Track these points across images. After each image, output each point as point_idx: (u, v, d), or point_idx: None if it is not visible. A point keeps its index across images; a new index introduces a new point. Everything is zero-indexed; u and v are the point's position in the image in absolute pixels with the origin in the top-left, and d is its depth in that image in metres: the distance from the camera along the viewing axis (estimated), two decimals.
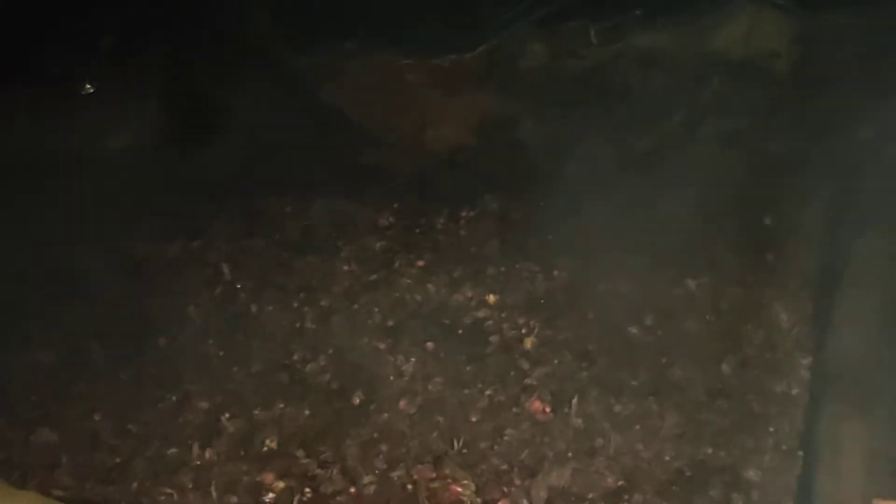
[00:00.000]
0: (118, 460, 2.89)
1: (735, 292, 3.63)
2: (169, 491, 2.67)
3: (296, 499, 2.63)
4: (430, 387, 3.20)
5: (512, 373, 3.25)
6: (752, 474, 2.67)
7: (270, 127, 4.57)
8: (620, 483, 2.64)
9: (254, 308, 3.68)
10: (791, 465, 2.73)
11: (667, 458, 2.76)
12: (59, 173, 4.27)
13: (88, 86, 4.78)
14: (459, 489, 2.58)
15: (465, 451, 2.78)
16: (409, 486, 2.62)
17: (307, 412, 3.12)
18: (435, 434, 2.91)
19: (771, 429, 2.91)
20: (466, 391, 3.15)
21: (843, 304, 3.41)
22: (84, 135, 4.54)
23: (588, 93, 4.57)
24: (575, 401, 2.98)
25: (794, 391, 3.13)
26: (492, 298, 3.74)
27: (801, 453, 2.78)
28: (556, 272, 3.83)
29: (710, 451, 2.79)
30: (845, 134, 3.96)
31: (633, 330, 3.48)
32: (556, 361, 3.31)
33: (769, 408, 3.04)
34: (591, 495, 2.59)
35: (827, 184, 3.84)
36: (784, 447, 2.80)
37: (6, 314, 3.44)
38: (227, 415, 3.06)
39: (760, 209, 3.89)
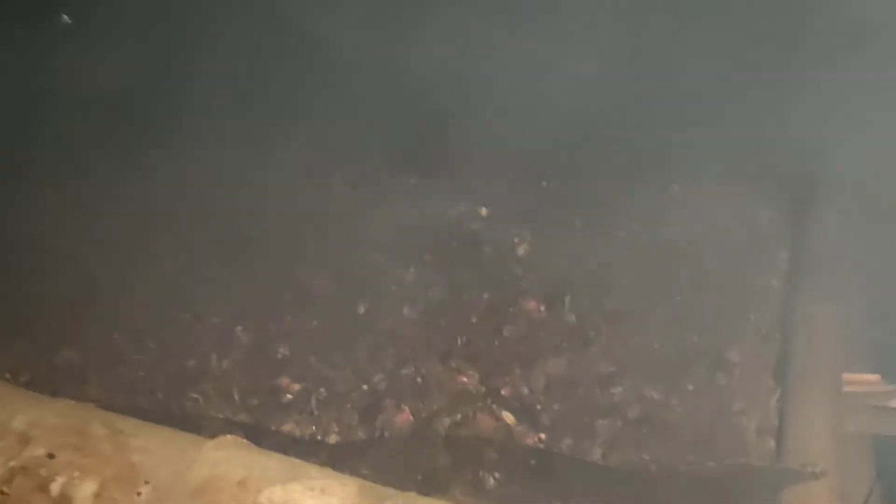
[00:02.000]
0: (142, 374, 3.06)
1: (717, 195, 3.81)
2: (194, 396, 2.85)
3: (312, 398, 2.81)
4: (430, 294, 3.37)
5: (506, 277, 3.43)
6: (733, 356, 2.88)
7: (254, 55, 4.61)
8: (612, 369, 2.84)
9: (255, 233, 3.80)
10: (769, 347, 2.95)
11: (655, 346, 2.96)
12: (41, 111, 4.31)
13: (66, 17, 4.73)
14: (465, 379, 2.78)
15: (467, 346, 2.97)
16: (419, 380, 2.81)
17: (315, 323, 3.29)
18: (438, 335, 3.10)
19: (751, 316, 3.12)
20: (465, 296, 3.33)
21: (819, 200, 3.61)
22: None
23: None
24: (568, 299, 3.17)
25: (774, 282, 3.34)
26: (484, 211, 3.89)
27: (778, 336, 2.98)
28: (544, 183, 3.98)
29: (694, 338, 3.00)
30: None
31: (621, 234, 3.65)
32: (547, 265, 3.49)
33: (750, 298, 3.24)
34: (585, 381, 2.80)
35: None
36: (763, 332, 3.02)
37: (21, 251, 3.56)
38: (240, 328, 3.23)
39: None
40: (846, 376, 2.75)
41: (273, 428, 2.70)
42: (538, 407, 2.71)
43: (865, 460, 2.47)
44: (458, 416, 2.66)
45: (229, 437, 2.17)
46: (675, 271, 3.39)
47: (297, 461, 2.10)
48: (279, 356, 3.09)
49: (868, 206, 3.51)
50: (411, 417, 2.65)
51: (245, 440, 2.18)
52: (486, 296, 3.31)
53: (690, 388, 2.77)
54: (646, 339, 3.00)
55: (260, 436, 2.63)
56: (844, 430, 2.48)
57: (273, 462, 2.07)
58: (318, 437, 2.66)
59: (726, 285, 3.32)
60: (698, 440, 2.58)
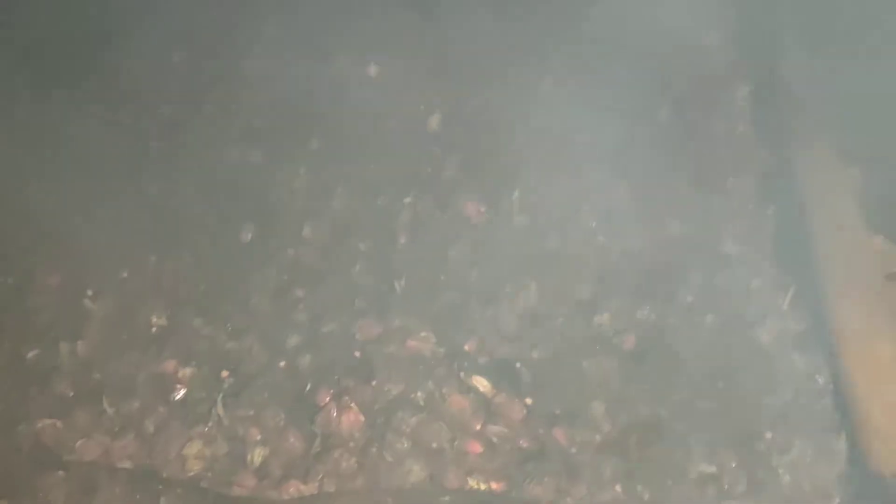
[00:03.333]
0: None
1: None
2: (45, 422, 2.06)
3: (215, 389, 2.09)
4: (333, 203, 2.62)
5: (427, 166, 2.70)
6: (729, 247, 2.34)
7: None
8: (592, 289, 2.26)
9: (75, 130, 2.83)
10: (764, 223, 2.43)
11: (633, 245, 2.38)
12: None
13: None
14: (416, 343, 2.12)
15: (408, 289, 2.27)
16: (357, 354, 2.12)
17: (190, 262, 2.50)
18: (359, 268, 2.38)
19: (730, 182, 2.57)
20: (380, 201, 2.60)
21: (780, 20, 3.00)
22: None
23: None
24: (516, 195, 2.50)
25: (740, 128, 2.78)
26: (374, 70, 3.06)
27: (770, 211, 2.46)
28: (446, 28, 3.15)
29: (676, 226, 2.43)
30: None
31: (547, 85, 2.94)
32: (473, 139, 2.77)
33: (719, 152, 2.68)
34: (563, 310, 2.21)
35: None
36: (751, 206, 2.48)
37: None
38: (90, 292, 2.39)
39: None
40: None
41: (170, 452, 1.97)
42: (515, 362, 2.11)
43: None
44: (420, 400, 2.02)
45: None
46: (625, 130, 2.74)
47: None
48: (153, 328, 2.31)
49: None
50: (361, 416, 1.99)
51: None
52: (408, 199, 2.58)
53: (689, 299, 2.23)
54: (620, 237, 2.41)
55: (153, 476, 1.93)
56: None
57: None
58: (240, 457, 1.97)
59: (688, 140, 2.73)
60: (713, 370, 2.09)
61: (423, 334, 2.14)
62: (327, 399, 2.02)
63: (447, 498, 1.84)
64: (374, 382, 2.05)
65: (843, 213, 2.27)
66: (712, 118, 2.80)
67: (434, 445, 1.93)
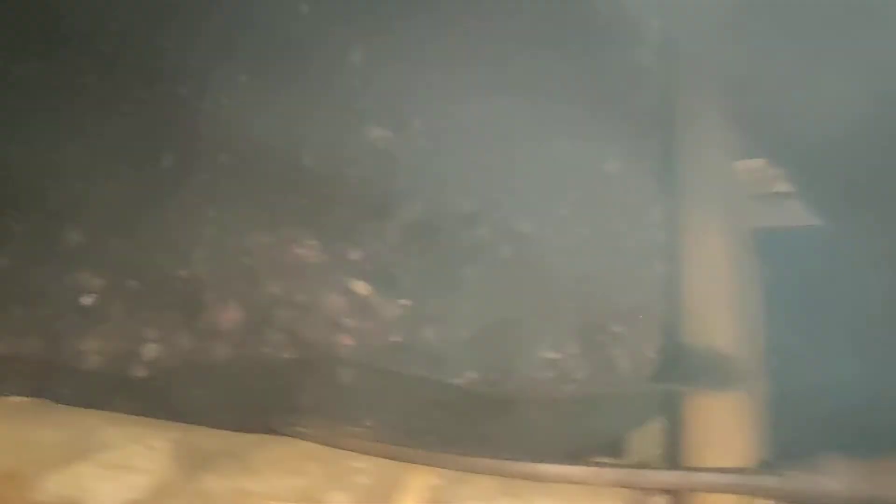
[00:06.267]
0: None
1: None
2: None
3: (122, 296, 2.27)
4: (252, 131, 2.76)
5: (343, 95, 2.84)
6: (611, 166, 2.48)
7: None
8: (476, 205, 2.41)
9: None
10: (649, 146, 2.56)
11: (520, 163, 2.52)
12: None
13: None
14: (303, 250, 2.28)
15: (304, 204, 2.44)
16: (246, 260, 2.29)
17: (112, 186, 2.66)
18: (266, 188, 2.55)
19: (623, 107, 2.69)
20: (295, 128, 2.74)
21: None
22: None
23: None
24: (418, 122, 2.64)
25: (641, 60, 2.88)
26: (305, 8, 3.18)
27: (655, 135, 2.59)
28: None
29: (564, 145, 2.56)
30: None
31: (474, 22, 3.06)
32: (389, 74, 2.90)
33: (617, 79, 2.79)
34: (446, 224, 2.36)
35: None
36: (641, 128, 2.61)
37: None
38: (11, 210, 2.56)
39: None
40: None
41: (73, 349, 2.16)
42: (396, 267, 2.27)
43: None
44: (300, 300, 2.19)
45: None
46: (534, 57, 2.85)
47: (92, 419, 1.63)
48: (71, 242, 2.48)
49: None
50: (240, 313, 2.16)
51: (27, 400, 1.67)
52: (323, 125, 2.72)
53: (565, 213, 2.38)
54: (507, 160, 2.55)
55: (54, 369, 2.12)
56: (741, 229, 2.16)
57: (55, 434, 1.58)
58: (135, 353, 2.15)
59: (587, 64, 2.84)
60: (579, 276, 2.25)
61: (310, 242, 2.30)
62: (215, 299, 2.19)
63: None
64: (257, 285, 2.22)
65: (715, 136, 2.40)
66: (615, 48, 2.91)
67: (307, 337, 2.10)
